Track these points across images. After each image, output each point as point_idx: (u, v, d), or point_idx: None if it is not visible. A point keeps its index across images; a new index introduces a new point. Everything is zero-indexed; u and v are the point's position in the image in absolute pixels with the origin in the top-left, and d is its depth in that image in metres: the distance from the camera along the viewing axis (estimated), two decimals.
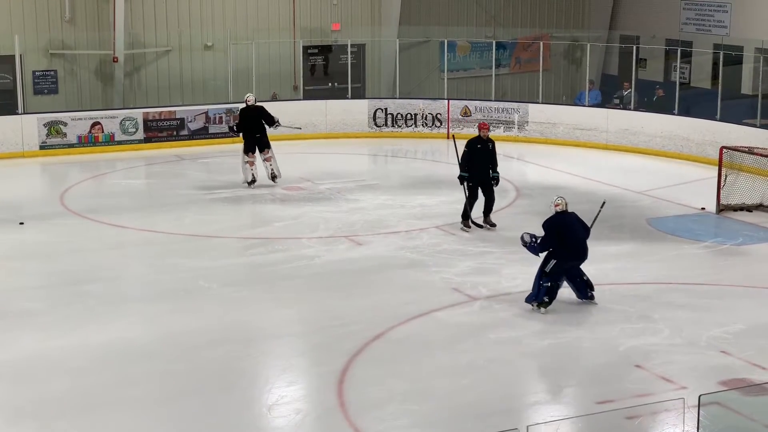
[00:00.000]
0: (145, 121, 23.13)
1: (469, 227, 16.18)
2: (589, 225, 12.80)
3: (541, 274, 12.45)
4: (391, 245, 15.46)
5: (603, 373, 10.76)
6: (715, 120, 21.86)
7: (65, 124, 22.39)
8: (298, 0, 25.97)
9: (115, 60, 23.79)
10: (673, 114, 22.84)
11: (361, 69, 26.88)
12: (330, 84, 26.43)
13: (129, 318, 12.47)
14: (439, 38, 26.50)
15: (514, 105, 24.70)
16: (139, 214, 17.48)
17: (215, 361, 11.06)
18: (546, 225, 12.62)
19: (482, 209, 16.33)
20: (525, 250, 12.93)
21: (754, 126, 21.26)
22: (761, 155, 17.35)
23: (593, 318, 12.36)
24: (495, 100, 25.08)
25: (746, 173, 17.59)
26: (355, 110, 24.82)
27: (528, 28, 28.22)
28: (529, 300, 12.55)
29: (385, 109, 24.91)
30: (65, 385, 10.47)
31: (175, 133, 23.40)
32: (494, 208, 16.43)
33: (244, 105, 19.40)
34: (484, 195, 16.31)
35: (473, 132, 24.50)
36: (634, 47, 24.47)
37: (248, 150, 19.12)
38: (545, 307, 12.38)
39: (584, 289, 12.69)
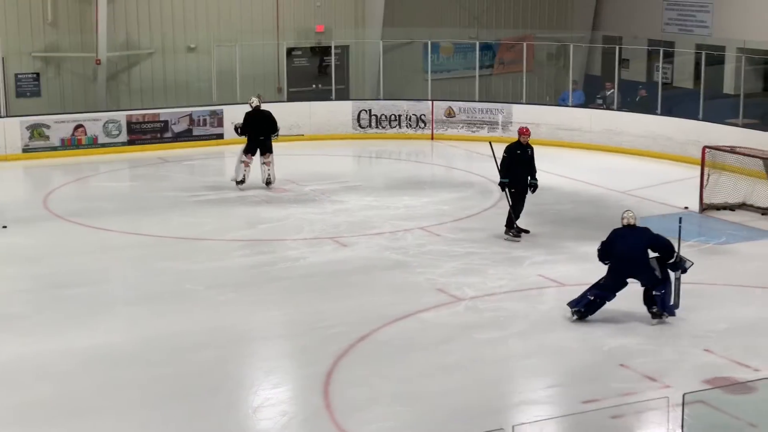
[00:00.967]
0: (129, 124, 23.07)
1: (518, 236, 15.67)
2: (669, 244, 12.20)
3: (593, 285, 12.24)
4: (376, 246, 15.47)
5: (588, 373, 10.79)
6: (698, 120, 21.96)
7: (48, 127, 22.32)
8: (282, 2, 25.95)
9: (97, 62, 23.71)
10: (656, 114, 22.93)
11: (345, 70, 26.88)
12: (314, 85, 26.42)
13: (114, 322, 12.44)
14: (422, 39, 26.53)
15: (498, 106, 24.74)
16: (123, 217, 17.43)
17: (201, 364, 11.04)
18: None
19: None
20: (513, 250, 12.87)
21: (737, 125, 21.37)
22: (744, 154, 17.43)
23: (578, 318, 12.38)
24: (479, 101, 25.13)
25: (729, 172, 17.67)
26: (339, 112, 24.82)
27: (511, 29, 28.27)
28: (570, 304, 12.26)
29: (369, 110, 24.92)
30: (49, 390, 10.42)
31: (159, 135, 23.34)
32: (478, 209, 16.45)
33: (249, 108, 19.26)
34: (520, 203, 15.88)
35: (457, 133, 24.75)
36: (617, 48, 24.55)
37: (248, 151, 19.03)
38: (578, 316, 12.10)
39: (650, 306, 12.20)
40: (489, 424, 8.99)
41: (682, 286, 12.18)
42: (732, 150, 17.74)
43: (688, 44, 25.12)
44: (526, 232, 15.82)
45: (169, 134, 23.43)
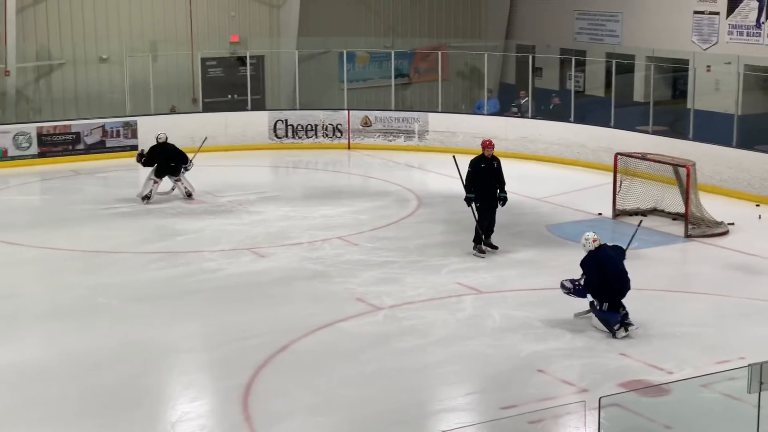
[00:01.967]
0: (40, 136, 22.64)
1: (483, 252, 15.27)
2: (624, 247, 12.52)
3: (599, 311, 12.06)
4: (294, 257, 15.41)
5: (506, 379, 10.88)
6: (610, 127, 22.36)
7: None
8: (196, 12, 25.74)
9: (7, 74, 23.23)
10: (569, 122, 23.28)
11: (260, 81, 26.76)
12: (229, 96, 26.25)
13: (25, 338, 12.19)
14: (338, 49, 26.55)
15: (414, 114, 24.88)
16: (34, 230, 17.09)
17: (117, 380, 10.86)
18: (585, 263, 12.13)
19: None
20: (430, 259, 12.92)
21: (647, 132, 21.80)
22: (654, 161, 17.77)
23: (496, 324, 12.50)
24: (395, 110, 25.23)
25: (640, 179, 17.99)
26: (255, 122, 24.70)
27: (426, 38, 28.45)
28: (612, 325, 11.93)
29: (286, 120, 24.84)
30: None
31: (70, 147, 22.96)
32: (395, 218, 16.48)
33: (155, 142, 19.09)
34: (490, 217, 15.54)
35: (373, 142, 24.79)
36: (530, 56, 24.88)
37: (158, 174, 18.92)
38: (627, 328, 11.88)
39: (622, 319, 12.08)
40: None
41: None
42: (643, 157, 18.07)
43: (598, 53, 25.57)
44: (494, 248, 15.42)
45: (81, 146, 23.05)
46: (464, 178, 15.53)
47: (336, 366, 11.25)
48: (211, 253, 15.60)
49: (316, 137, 24.90)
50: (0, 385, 10.72)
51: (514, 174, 21.59)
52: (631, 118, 22.99)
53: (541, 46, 26.76)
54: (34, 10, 23.87)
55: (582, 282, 12.18)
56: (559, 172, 22.03)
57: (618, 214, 17.75)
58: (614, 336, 11.85)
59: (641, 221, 13.20)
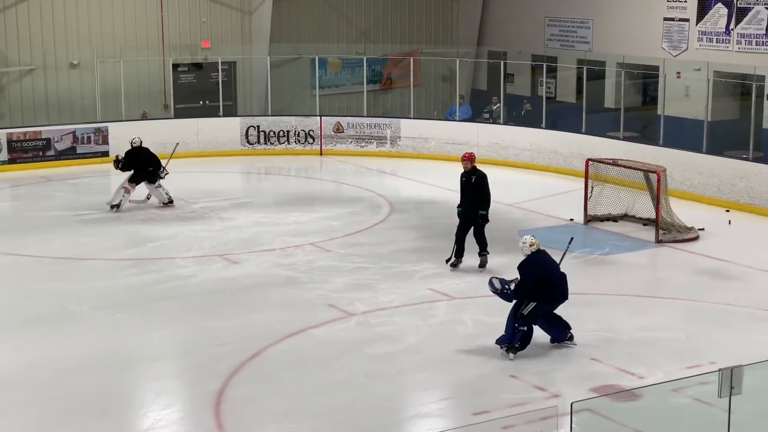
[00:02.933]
0: (9, 142, 22.47)
1: (448, 260, 14.87)
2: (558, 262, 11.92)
3: (516, 317, 11.51)
4: (267, 263, 15.38)
5: (479, 385, 10.90)
6: (581, 133, 22.49)
7: None
8: (167, 17, 25.65)
9: None
10: (541, 128, 23.38)
11: (232, 87, 26.70)
12: (201, 102, 26.17)
13: None
14: (309, 55, 26.53)
15: (386, 120, 24.91)
16: (3, 237, 16.95)
17: (88, 387, 10.79)
18: (523, 267, 11.56)
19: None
20: (403, 265, 12.92)
21: (618, 138, 21.92)
22: (625, 167, 17.88)
23: (468, 331, 12.52)
24: (367, 116, 25.24)
25: (611, 184, 18.10)
26: (227, 128, 24.64)
27: (398, 44, 28.50)
28: (500, 342, 11.59)
29: (258, 126, 24.80)
30: None
31: (41, 153, 22.80)
32: (368, 224, 16.47)
33: (130, 147, 18.87)
34: (474, 235, 14.95)
35: (346, 148, 24.80)
36: (502, 63, 24.99)
37: (133, 180, 18.69)
38: (514, 353, 11.44)
39: (562, 332, 11.82)
40: None
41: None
42: (614, 162, 18.19)
43: (569, 59, 25.70)
44: (453, 265, 14.91)
45: (51, 152, 22.90)
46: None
47: (308, 373, 11.23)
48: (182, 259, 15.54)
49: (288, 143, 24.86)
50: None
51: None
52: (602, 124, 23.13)
53: (512, 52, 26.88)
54: (3, 16, 23.70)
55: (512, 286, 11.63)
56: (531, 178, 22.11)
57: (590, 219, 17.84)
58: (504, 351, 11.48)
59: (572, 238, 12.68)
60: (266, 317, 12.96)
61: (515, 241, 16.72)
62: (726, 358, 10.58)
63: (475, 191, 14.82)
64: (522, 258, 11.70)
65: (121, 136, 23.33)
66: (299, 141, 24.87)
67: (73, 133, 23.15)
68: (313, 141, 24.85)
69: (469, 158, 15.09)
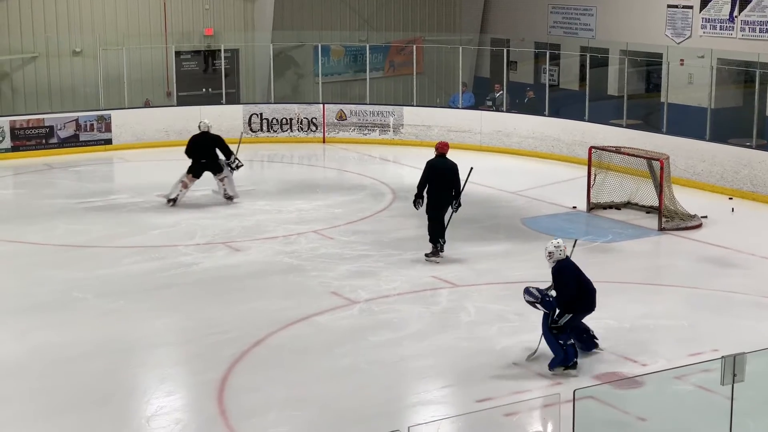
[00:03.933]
0: (12, 130, 22.47)
1: (427, 254, 14.72)
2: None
3: (554, 332, 10.74)
4: (270, 251, 15.39)
5: (481, 372, 10.91)
6: (584, 121, 22.45)
7: None
8: (170, 5, 25.61)
9: None
10: (544, 115, 23.35)
11: (235, 74, 26.68)
12: (204, 89, 26.15)
13: None
14: (312, 42, 26.50)
15: (389, 108, 24.88)
16: (7, 225, 16.96)
17: (91, 374, 10.81)
18: (563, 272, 10.82)
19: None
20: (405, 252, 12.87)
21: (621, 126, 21.90)
22: (628, 155, 17.86)
23: (471, 318, 12.53)
24: (370, 104, 25.22)
25: (614, 172, 18.09)
26: (229, 116, 24.61)
27: (401, 32, 28.46)
28: (554, 366, 10.71)
29: (261, 114, 24.78)
30: None
31: (44, 141, 22.80)
32: (370, 211, 16.47)
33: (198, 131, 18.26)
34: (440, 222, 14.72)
35: (348, 136, 24.78)
36: (505, 50, 24.95)
37: (190, 171, 17.97)
38: (575, 368, 10.70)
39: (590, 343, 11.30)
40: (385, 426, 9.03)
41: None
42: (617, 150, 18.16)
43: (573, 47, 25.66)
44: (428, 255, 14.70)
45: (54, 140, 22.90)
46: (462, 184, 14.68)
47: (311, 360, 11.25)
48: (186, 247, 15.55)
49: (291, 131, 24.85)
50: None
51: (488, 167, 21.77)
52: (605, 111, 23.10)
53: (515, 39, 26.83)
54: (6, 3, 23.68)
55: (552, 293, 10.93)
56: (534, 166, 22.10)
57: (592, 207, 17.83)
58: (563, 371, 10.73)
59: (576, 240, 12.08)
60: (269, 305, 12.98)
61: (518, 229, 16.82)
62: (729, 346, 10.58)
63: (448, 179, 14.57)
64: (551, 265, 10.92)
65: (124, 124, 23.38)
66: (302, 129, 24.85)
67: (76, 120, 23.14)
68: (316, 129, 24.83)
69: (441, 146, 14.85)
